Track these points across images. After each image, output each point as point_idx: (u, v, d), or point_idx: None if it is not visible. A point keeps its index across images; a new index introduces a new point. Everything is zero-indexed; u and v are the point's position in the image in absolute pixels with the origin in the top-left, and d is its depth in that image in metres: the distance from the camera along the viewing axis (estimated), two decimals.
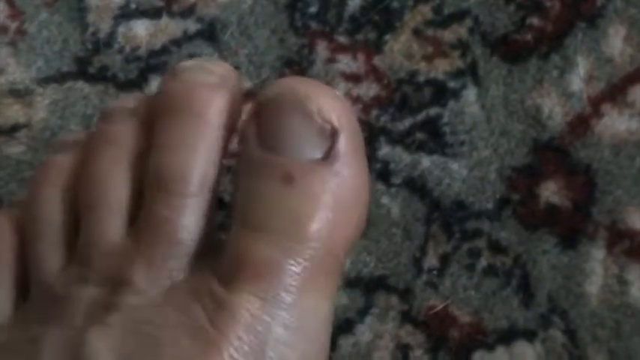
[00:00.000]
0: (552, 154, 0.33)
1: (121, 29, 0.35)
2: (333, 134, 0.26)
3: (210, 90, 0.27)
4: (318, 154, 0.26)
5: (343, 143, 0.26)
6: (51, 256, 0.28)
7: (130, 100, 0.30)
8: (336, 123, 0.26)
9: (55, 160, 0.30)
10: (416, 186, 0.33)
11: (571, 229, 0.33)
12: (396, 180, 0.33)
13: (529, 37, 0.34)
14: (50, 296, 0.27)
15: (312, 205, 0.26)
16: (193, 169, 0.27)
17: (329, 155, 0.26)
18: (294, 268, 0.26)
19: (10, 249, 0.29)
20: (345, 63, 0.34)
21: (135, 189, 0.28)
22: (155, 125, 0.28)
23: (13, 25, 0.35)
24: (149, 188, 0.27)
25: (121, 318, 0.26)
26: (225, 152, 0.28)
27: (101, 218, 0.28)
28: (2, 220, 0.30)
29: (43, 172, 0.29)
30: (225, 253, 0.26)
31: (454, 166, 0.33)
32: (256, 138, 0.27)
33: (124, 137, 0.28)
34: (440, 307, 0.32)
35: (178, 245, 0.27)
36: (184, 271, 0.27)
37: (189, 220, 0.27)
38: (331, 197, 0.26)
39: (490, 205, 0.33)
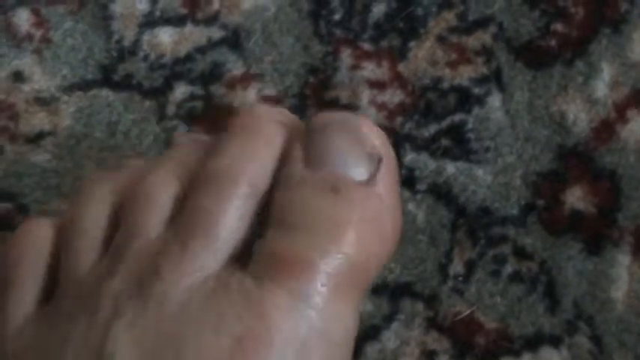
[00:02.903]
0: (577, 160, 0.33)
1: (146, 37, 0.35)
2: (378, 161, 0.27)
3: (279, 123, 0.29)
4: (363, 177, 0.27)
5: (386, 171, 0.27)
6: (87, 254, 0.28)
7: (203, 135, 0.31)
8: (381, 152, 0.27)
9: (115, 172, 0.30)
10: (441, 192, 0.33)
11: (596, 234, 0.33)
12: (422, 187, 0.33)
13: (553, 43, 0.34)
14: (79, 292, 0.27)
15: (353, 215, 0.26)
16: (249, 174, 0.27)
17: (373, 179, 0.27)
18: (327, 271, 0.26)
19: (41, 251, 0.29)
20: (370, 70, 0.34)
21: (181, 194, 0.28)
22: (219, 142, 0.28)
23: (38, 34, 0.35)
24: (198, 185, 0.28)
25: (146, 311, 0.26)
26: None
27: (141, 212, 0.28)
28: (40, 225, 0.30)
29: (96, 178, 0.30)
30: (259, 252, 0.27)
31: (479, 172, 0.33)
32: (303, 159, 0.27)
33: (184, 154, 0.29)
34: (466, 313, 0.32)
35: (215, 240, 0.27)
36: (215, 269, 0.26)
37: (231, 218, 0.27)
38: (371, 214, 0.27)
39: (515, 211, 0.33)
